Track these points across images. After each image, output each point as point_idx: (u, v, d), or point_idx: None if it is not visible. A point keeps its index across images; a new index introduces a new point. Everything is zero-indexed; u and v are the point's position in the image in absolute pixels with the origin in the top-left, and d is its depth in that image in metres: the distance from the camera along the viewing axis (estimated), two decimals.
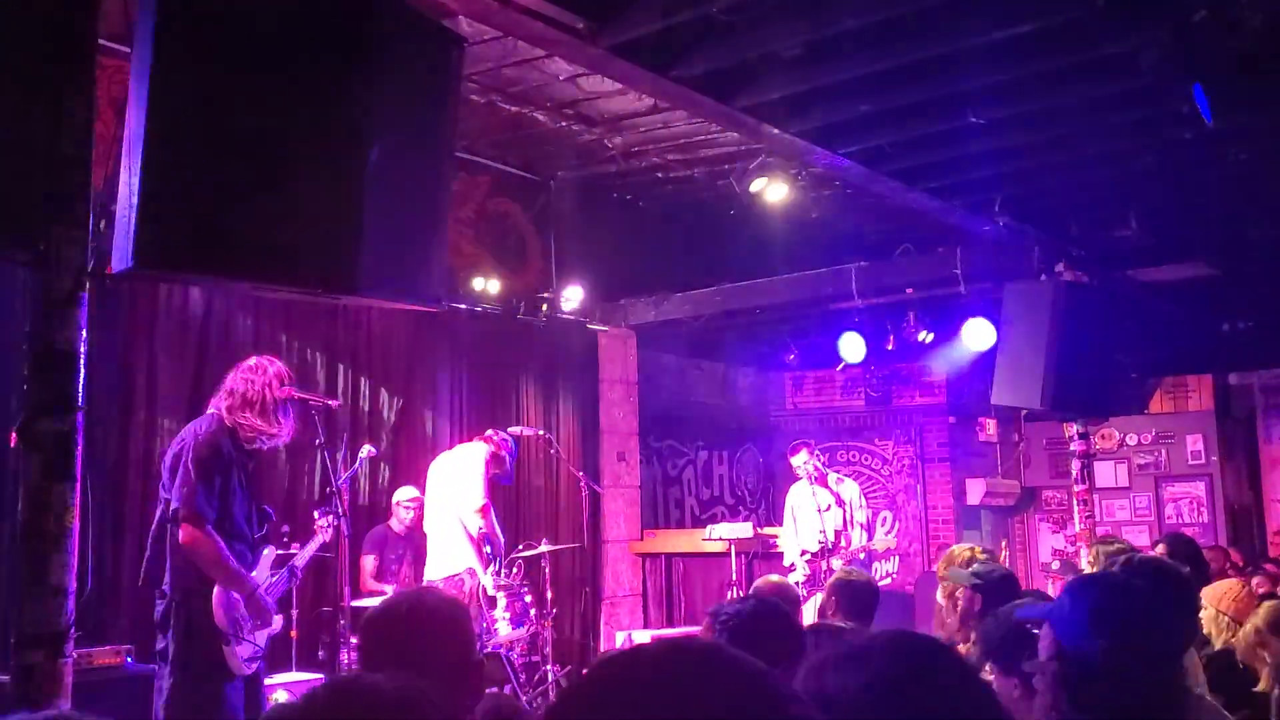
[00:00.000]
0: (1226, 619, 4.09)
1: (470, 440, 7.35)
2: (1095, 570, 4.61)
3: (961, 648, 4.22)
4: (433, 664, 1.83)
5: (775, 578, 5.02)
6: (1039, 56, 5.25)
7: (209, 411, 4.67)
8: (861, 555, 8.25)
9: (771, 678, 0.93)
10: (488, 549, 6.64)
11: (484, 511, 6.64)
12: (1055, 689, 2.11)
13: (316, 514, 5.52)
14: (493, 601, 6.73)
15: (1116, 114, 5.96)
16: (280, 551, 5.12)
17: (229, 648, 4.43)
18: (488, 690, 3.08)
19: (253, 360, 4.80)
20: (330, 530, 5.29)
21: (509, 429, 7.47)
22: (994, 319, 7.90)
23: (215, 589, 4.43)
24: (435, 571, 6.69)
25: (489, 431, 7.13)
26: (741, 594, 6.82)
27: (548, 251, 9.28)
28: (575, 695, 0.94)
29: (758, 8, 4.85)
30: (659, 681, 0.90)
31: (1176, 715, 2.12)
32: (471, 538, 6.64)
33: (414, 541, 7.37)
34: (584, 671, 0.97)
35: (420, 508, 7.22)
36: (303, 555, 5.23)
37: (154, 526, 4.61)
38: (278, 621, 4.90)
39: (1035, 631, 2.29)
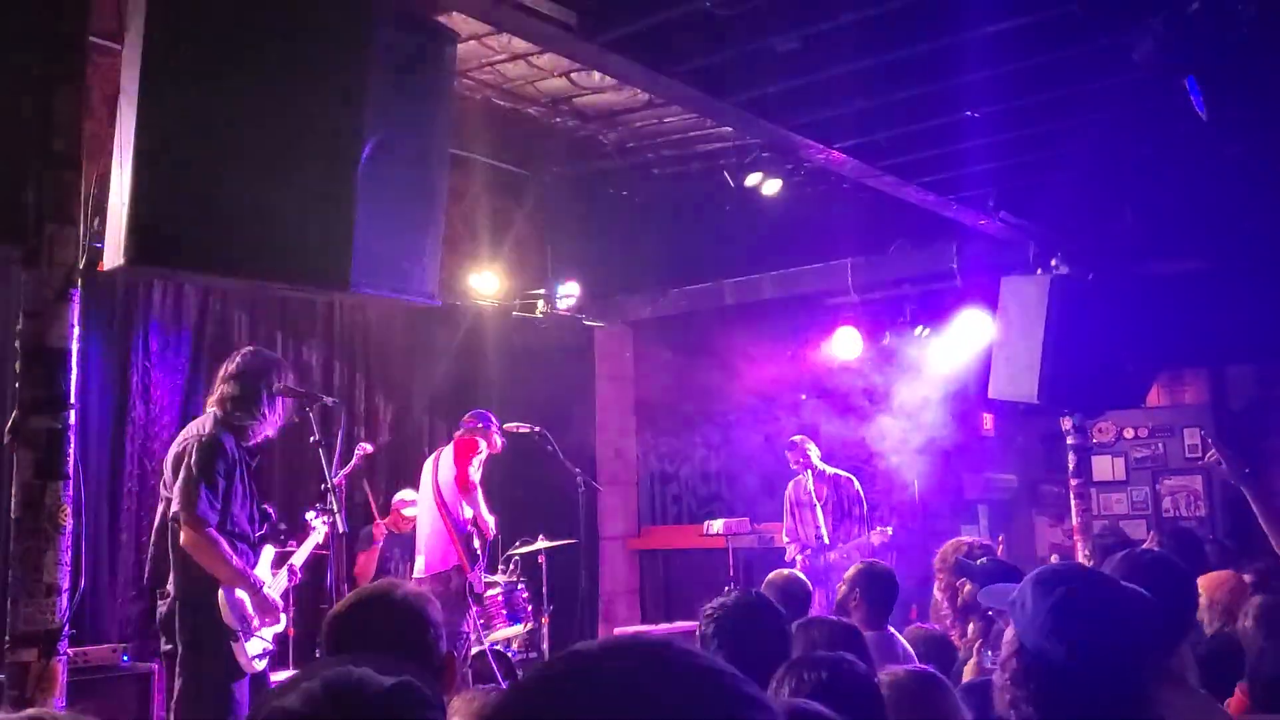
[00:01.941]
0: (1220, 608, 4.14)
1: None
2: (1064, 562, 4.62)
3: (955, 637, 4.24)
4: (400, 658, 1.82)
5: (787, 571, 5.02)
6: (1034, 50, 5.24)
7: (209, 410, 4.65)
8: (859, 548, 8.25)
9: (729, 677, 0.87)
10: (476, 543, 6.59)
11: (469, 489, 6.57)
12: (1015, 686, 2.04)
13: (312, 513, 5.49)
14: (479, 599, 6.70)
15: (1112, 107, 5.96)
16: (279, 550, 5.11)
17: (237, 645, 4.42)
18: (479, 688, 3.07)
19: (245, 352, 4.77)
20: (325, 528, 5.26)
21: (505, 425, 7.46)
22: (990, 313, 7.91)
23: (221, 588, 4.42)
24: (422, 569, 6.66)
25: (460, 427, 7.01)
26: (738, 589, 6.80)
27: (543, 248, 9.27)
28: (520, 693, 0.90)
29: (752, 1, 4.84)
30: (604, 679, 0.86)
31: (1145, 716, 2.03)
32: (458, 535, 6.59)
33: (412, 541, 7.35)
34: (532, 671, 0.92)
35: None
36: (299, 554, 5.21)
37: (156, 526, 4.60)
38: (283, 620, 4.88)
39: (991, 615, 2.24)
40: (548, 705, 0.86)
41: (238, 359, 4.71)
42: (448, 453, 6.94)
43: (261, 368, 4.66)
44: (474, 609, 6.57)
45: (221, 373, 4.69)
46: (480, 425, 6.84)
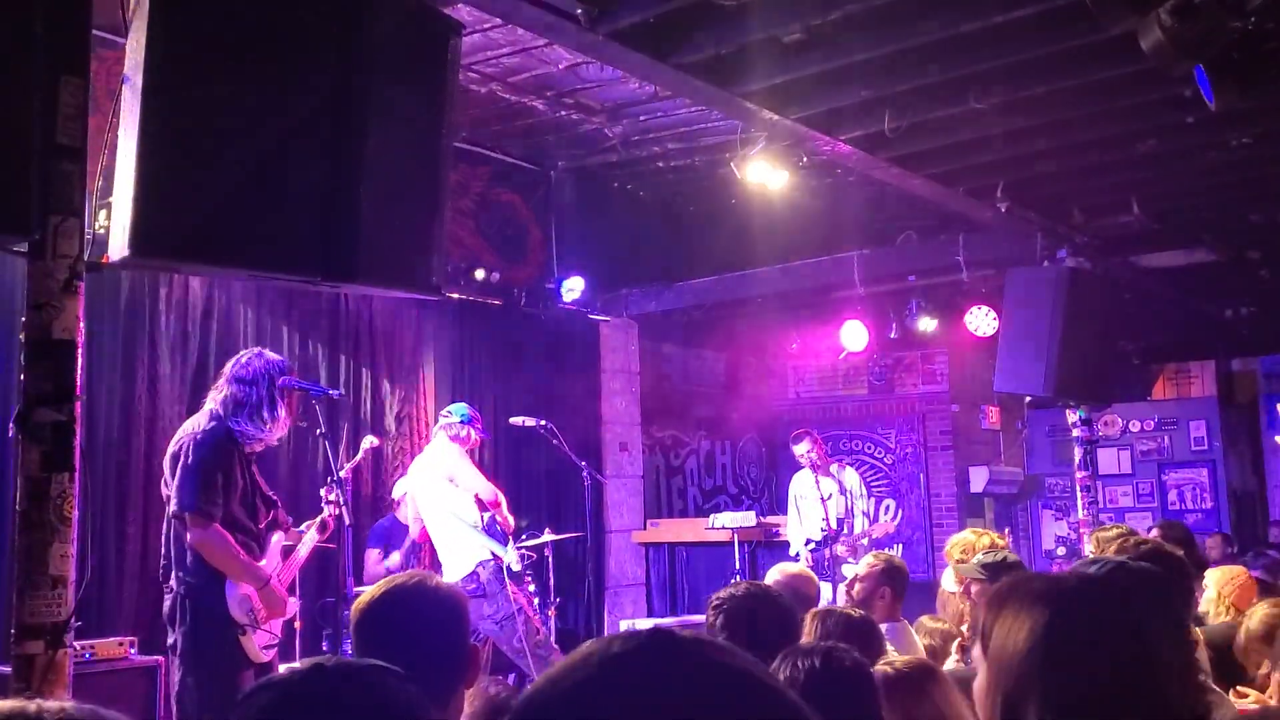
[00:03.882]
0: (1227, 603, 4.15)
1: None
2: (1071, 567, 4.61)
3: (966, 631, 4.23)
4: (429, 649, 1.83)
5: (793, 567, 5.02)
6: (1040, 40, 5.23)
7: (207, 407, 4.64)
8: (864, 541, 8.24)
9: (767, 673, 0.88)
10: (498, 526, 6.46)
11: (491, 505, 6.47)
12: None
13: (324, 492, 5.34)
14: (519, 576, 6.53)
15: (1118, 98, 5.94)
16: (288, 543, 5.11)
17: (245, 638, 4.43)
18: (489, 678, 3.08)
19: (246, 356, 4.74)
20: (333, 512, 5.17)
21: (510, 419, 7.45)
22: (996, 306, 7.89)
23: (227, 581, 4.42)
24: (451, 575, 6.52)
25: (438, 429, 6.83)
26: (745, 581, 6.72)
27: (548, 241, 9.27)
28: (556, 682, 0.87)
29: None
30: (644, 673, 0.84)
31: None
32: (473, 531, 6.51)
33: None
34: (560, 663, 0.89)
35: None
36: (305, 542, 5.18)
37: (165, 523, 4.62)
38: (292, 606, 4.89)
39: None
40: (581, 700, 0.85)
41: (244, 361, 4.68)
42: (428, 460, 6.73)
43: (265, 372, 4.63)
44: (516, 590, 6.33)
45: (226, 372, 4.68)
46: (460, 426, 6.63)
